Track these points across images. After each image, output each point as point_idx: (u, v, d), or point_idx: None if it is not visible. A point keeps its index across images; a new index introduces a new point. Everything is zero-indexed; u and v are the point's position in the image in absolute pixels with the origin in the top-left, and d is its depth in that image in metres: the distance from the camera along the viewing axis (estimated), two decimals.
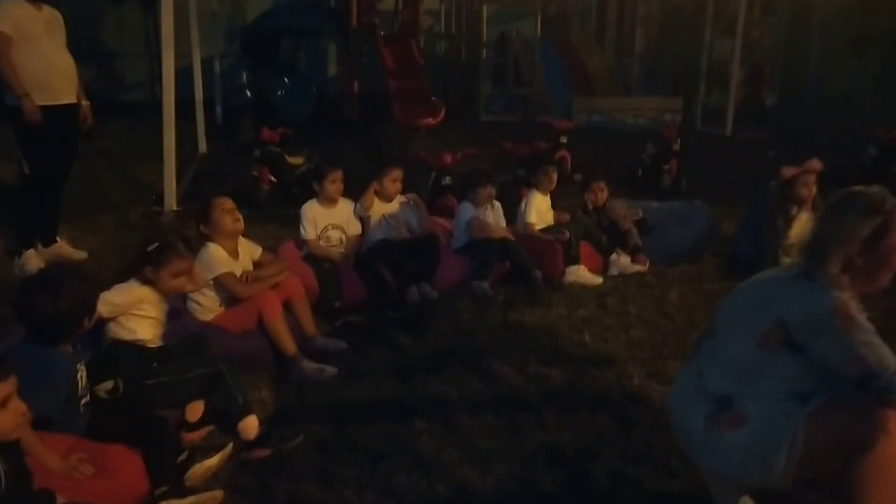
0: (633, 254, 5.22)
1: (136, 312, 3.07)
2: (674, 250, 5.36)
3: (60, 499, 2.12)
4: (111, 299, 2.99)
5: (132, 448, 2.60)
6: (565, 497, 2.73)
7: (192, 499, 2.56)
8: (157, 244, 3.10)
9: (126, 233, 5.98)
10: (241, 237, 3.87)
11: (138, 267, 3.09)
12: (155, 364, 2.99)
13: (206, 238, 3.71)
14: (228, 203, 3.74)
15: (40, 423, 2.39)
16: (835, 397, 2.28)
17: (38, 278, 2.69)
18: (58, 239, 5.31)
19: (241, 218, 3.78)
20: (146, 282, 3.08)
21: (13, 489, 2.01)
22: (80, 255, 5.30)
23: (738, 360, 2.36)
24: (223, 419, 3.04)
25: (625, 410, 3.30)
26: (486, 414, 3.27)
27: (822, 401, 2.26)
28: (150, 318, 3.11)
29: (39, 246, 5.15)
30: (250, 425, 2.99)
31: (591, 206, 5.45)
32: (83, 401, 2.63)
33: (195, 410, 3.03)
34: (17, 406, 1.96)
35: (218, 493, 2.66)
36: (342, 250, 4.68)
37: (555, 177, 5.40)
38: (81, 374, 2.60)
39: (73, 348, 2.65)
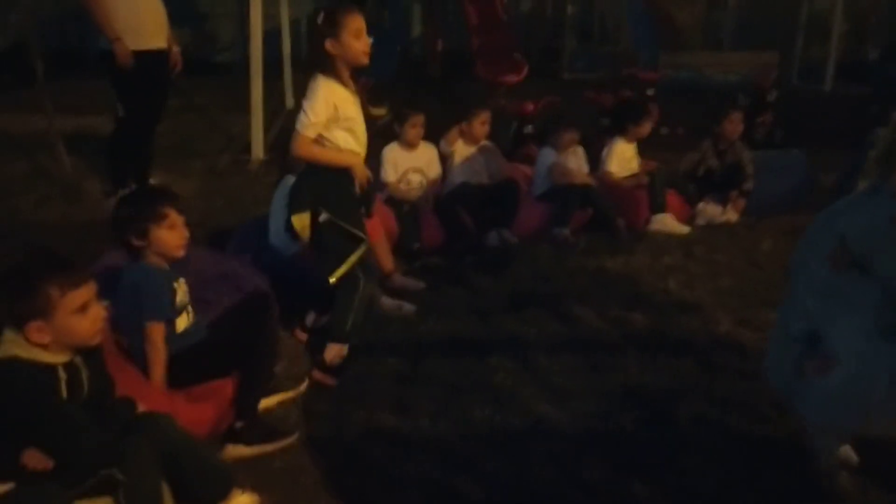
0: (739, 198, 4.98)
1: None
2: (767, 201, 5.09)
3: (141, 407, 2.17)
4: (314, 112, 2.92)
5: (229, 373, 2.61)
6: (645, 435, 2.64)
7: (256, 449, 2.55)
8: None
9: (214, 178, 6.11)
10: None
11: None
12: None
13: None
14: None
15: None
16: None
17: (129, 196, 2.75)
18: (151, 180, 5.47)
19: None
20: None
21: (96, 395, 2.07)
22: None
23: (816, 292, 2.23)
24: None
25: (711, 356, 3.17)
26: (564, 354, 3.20)
27: None
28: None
29: (134, 187, 5.33)
30: (337, 353, 3.01)
31: (724, 138, 5.16)
32: (182, 313, 2.66)
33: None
34: (97, 311, 1.99)
35: (288, 440, 2.62)
36: (421, 193, 4.64)
37: (646, 125, 5.18)
38: (178, 289, 2.64)
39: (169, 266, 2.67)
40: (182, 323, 2.63)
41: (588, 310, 3.59)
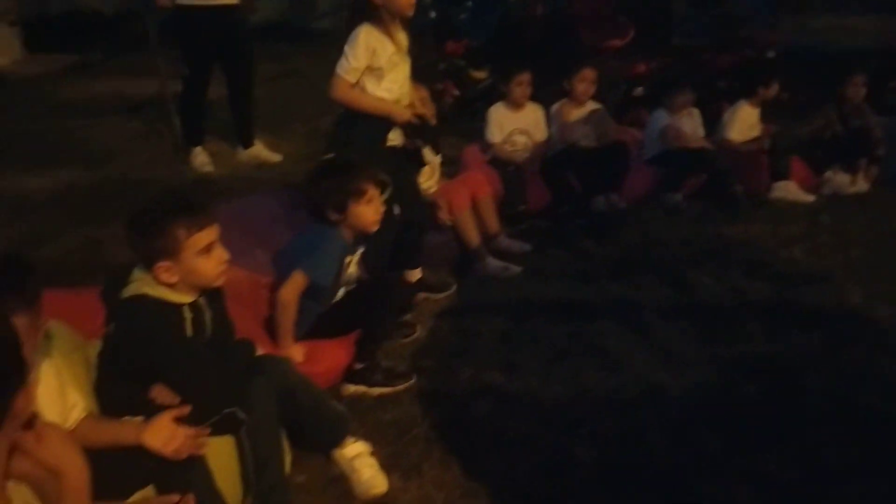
0: (870, 165, 4.65)
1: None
2: None
3: (259, 350, 2.18)
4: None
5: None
6: (769, 407, 2.48)
7: (375, 390, 2.57)
8: None
9: (316, 141, 6.17)
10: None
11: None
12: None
13: None
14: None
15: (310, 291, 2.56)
16: None
17: (321, 167, 2.78)
18: (255, 142, 5.56)
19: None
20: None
21: (218, 336, 2.09)
22: (276, 157, 5.53)
23: None
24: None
25: (843, 328, 2.95)
26: (680, 320, 3.05)
27: None
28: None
29: (240, 148, 5.43)
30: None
31: (847, 102, 4.83)
32: (344, 287, 2.69)
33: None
34: (221, 254, 2.01)
35: (407, 383, 2.63)
36: (527, 155, 4.52)
37: (775, 87, 4.84)
38: (351, 262, 2.67)
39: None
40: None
41: (704, 277, 3.41)
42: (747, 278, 3.40)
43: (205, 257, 1.97)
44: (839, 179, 4.64)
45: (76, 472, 1.30)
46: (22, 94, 7.30)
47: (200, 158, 5.18)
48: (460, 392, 2.60)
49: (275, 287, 2.66)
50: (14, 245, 3.60)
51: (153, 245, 1.93)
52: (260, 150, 5.52)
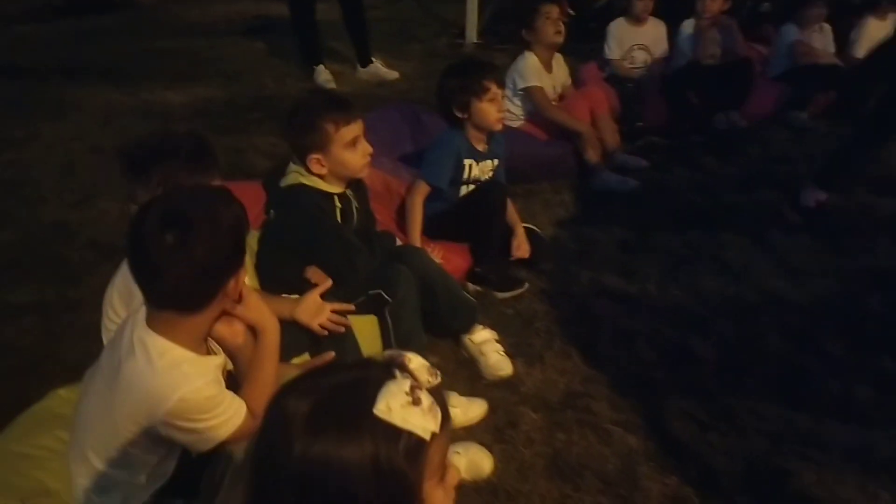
0: None
1: None
2: None
3: (398, 241, 2.36)
4: None
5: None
6: (891, 316, 2.48)
7: (498, 295, 2.69)
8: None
9: (433, 60, 6.26)
10: (556, 54, 3.85)
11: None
12: None
13: (526, 45, 3.74)
14: (555, 12, 3.69)
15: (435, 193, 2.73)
16: None
17: (448, 68, 2.87)
18: (373, 60, 5.71)
19: (563, 30, 3.72)
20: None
21: (363, 225, 2.29)
22: (393, 74, 5.67)
23: None
24: None
25: None
26: (802, 234, 3.04)
27: None
28: None
29: (359, 66, 5.60)
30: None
31: None
32: (465, 188, 2.82)
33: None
34: (366, 147, 2.18)
35: (522, 289, 2.72)
36: (646, 72, 4.47)
37: None
38: (471, 165, 2.80)
39: (486, 146, 2.81)
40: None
41: (830, 193, 3.35)
42: (874, 195, 3.33)
43: (351, 150, 2.15)
44: None
45: (273, 328, 1.49)
46: (152, 16, 7.70)
47: (323, 76, 5.38)
48: (580, 292, 2.72)
49: (406, 191, 2.84)
50: None
51: (306, 139, 2.13)
52: (378, 68, 5.68)
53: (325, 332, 2.02)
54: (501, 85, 2.78)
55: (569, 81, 3.99)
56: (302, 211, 2.12)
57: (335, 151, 2.13)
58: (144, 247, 1.28)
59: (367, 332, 2.15)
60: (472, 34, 6.82)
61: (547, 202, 3.47)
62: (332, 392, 0.90)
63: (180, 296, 1.31)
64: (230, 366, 1.52)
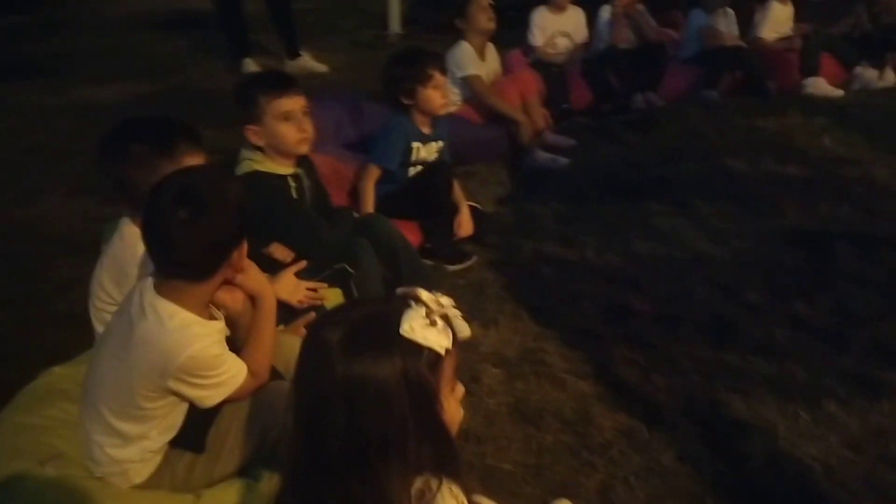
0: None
1: None
2: None
3: (355, 215, 2.52)
4: None
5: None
6: (805, 266, 2.78)
7: (449, 267, 2.87)
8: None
9: (359, 52, 6.38)
10: (489, 43, 4.04)
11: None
12: None
13: (460, 34, 3.91)
14: (485, 0, 3.88)
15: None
16: None
17: (392, 58, 3.04)
18: (301, 53, 5.79)
19: (494, 17, 3.91)
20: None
21: (317, 202, 2.44)
22: (322, 67, 5.76)
23: None
24: None
25: (870, 202, 3.23)
26: (721, 200, 3.33)
27: None
28: None
29: (287, 59, 5.66)
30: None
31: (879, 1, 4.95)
32: (412, 169, 2.97)
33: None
34: (302, 124, 2.33)
35: (471, 261, 2.90)
36: (568, 57, 4.73)
37: None
38: (418, 148, 2.95)
39: (431, 129, 2.98)
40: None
41: (741, 163, 3.68)
42: (780, 164, 3.66)
43: (285, 123, 2.31)
44: (868, 75, 4.83)
45: (270, 296, 1.63)
46: (73, 13, 7.53)
47: (251, 69, 5.42)
48: (524, 261, 2.93)
49: (356, 175, 2.98)
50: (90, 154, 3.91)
51: (244, 110, 2.31)
52: (307, 61, 5.75)
53: (304, 307, 2.16)
54: (444, 72, 2.95)
55: (500, 69, 4.20)
56: (261, 194, 2.24)
57: (269, 123, 2.29)
58: (160, 222, 1.40)
59: (335, 304, 2.29)
60: (395, 25, 6.96)
61: (485, 181, 3.67)
62: (362, 320, 1.06)
63: (191, 266, 1.45)
64: (228, 332, 1.64)
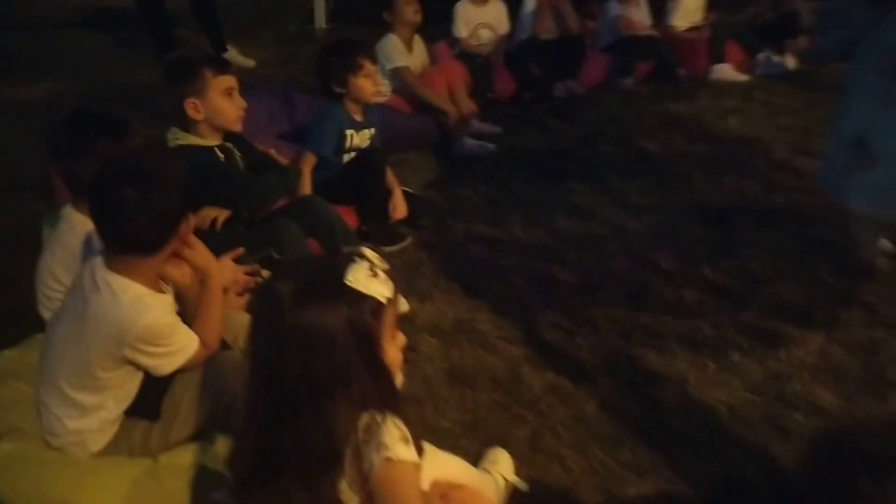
0: (795, 45, 5.16)
1: None
2: (830, 50, 5.23)
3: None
4: None
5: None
6: (712, 235, 3.03)
7: (386, 248, 2.97)
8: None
9: (286, 46, 6.42)
10: (416, 35, 4.19)
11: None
12: None
13: (387, 27, 4.04)
14: None
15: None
16: None
17: (325, 48, 3.14)
18: (228, 48, 5.80)
19: (420, 10, 4.06)
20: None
21: (253, 167, 2.58)
22: (250, 62, 5.79)
23: (867, 100, 2.53)
24: None
25: (770, 177, 3.51)
26: (636, 178, 3.57)
27: None
28: None
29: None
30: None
31: None
32: (346, 156, 3.09)
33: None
34: (240, 101, 2.45)
35: (406, 242, 3.04)
36: (491, 48, 4.91)
37: None
38: (352, 135, 3.06)
39: (363, 117, 3.10)
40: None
41: (655, 144, 3.94)
42: (690, 143, 3.93)
43: (227, 99, 2.42)
44: (770, 60, 5.16)
45: (217, 271, 1.74)
46: (1, 7, 7.30)
47: None
48: (456, 241, 3.09)
49: (292, 162, 3.08)
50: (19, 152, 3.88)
51: (185, 84, 2.38)
52: (234, 56, 5.75)
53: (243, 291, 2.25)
54: (374, 61, 3.08)
55: (427, 60, 4.34)
56: (190, 162, 2.32)
57: (212, 97, 2.39)
58: (110, 202, 1.51)
59: None
60: (320, 19, 7.03)
61: (416, 168, 3.82)
62: (311, 274, 1.20)
63: (142, 241, 1.55)
64: (177, 307, 1.75)
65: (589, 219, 3.22)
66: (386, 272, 1.23)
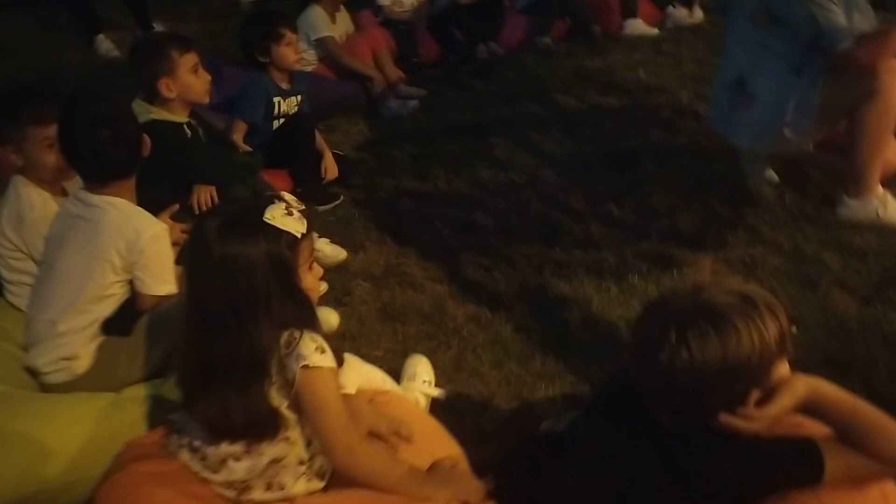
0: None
1: None
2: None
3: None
4: None
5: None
6: (618, 176, 3.33)
7: (320, 208, 3.21)
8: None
9: (212, 21, 6.46)
10: (341, 6, 4.35)
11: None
12: None
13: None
14: None
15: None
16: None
17: (252, 17, 3.39)
18: (154, 25, 5.83)
19: None
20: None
21: (216, 142, 2.84)
22: None
23: (743, 43, 2.82)
24: None
25: (673, 122, 3.81)
26: (552, 131, 3.83)
27: (813, 69, 2.68)
28: None
29: (140, 33, 5.70)
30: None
31: None
32: (276, 122, 3.28)
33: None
34: (205, 75, 2.63)
35: (338, 201, 3.27)
36: (413, 13, 5.09)
37: None
38: (279, 102, 3.24)
39: (290, 84, 3.29)
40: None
41: (570, 98, 4.20)
42: (603, 96, 4.21)
43: (195, 75, 2.60)
44: (678, 13, 5.46)
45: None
46: None
47: (105, 45, 5.44)
48: (385, 196, 3.32)
49: (225, 131, 3.25)
50: None
51: (155, 66, 2.55)
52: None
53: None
54: (294, 30, 3.26)
55: (352, 29, 4.51)
56: (163, 140, 2.42)
57: (181, 75, 2.56)
58: (87, 145, 1.83)
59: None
60: None
61: (346, 132, 4.02)
62: (234, 211, 1.42)
63: (122, 167, 1.89)
64: None
65: (507, 169, 3.47)
66: (301, 212, 1.45)
